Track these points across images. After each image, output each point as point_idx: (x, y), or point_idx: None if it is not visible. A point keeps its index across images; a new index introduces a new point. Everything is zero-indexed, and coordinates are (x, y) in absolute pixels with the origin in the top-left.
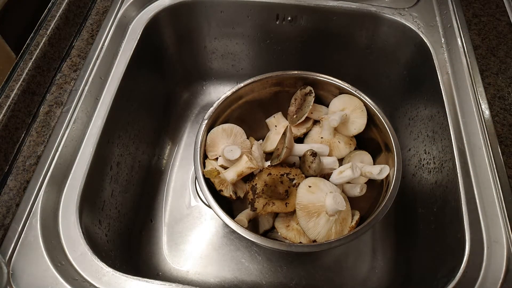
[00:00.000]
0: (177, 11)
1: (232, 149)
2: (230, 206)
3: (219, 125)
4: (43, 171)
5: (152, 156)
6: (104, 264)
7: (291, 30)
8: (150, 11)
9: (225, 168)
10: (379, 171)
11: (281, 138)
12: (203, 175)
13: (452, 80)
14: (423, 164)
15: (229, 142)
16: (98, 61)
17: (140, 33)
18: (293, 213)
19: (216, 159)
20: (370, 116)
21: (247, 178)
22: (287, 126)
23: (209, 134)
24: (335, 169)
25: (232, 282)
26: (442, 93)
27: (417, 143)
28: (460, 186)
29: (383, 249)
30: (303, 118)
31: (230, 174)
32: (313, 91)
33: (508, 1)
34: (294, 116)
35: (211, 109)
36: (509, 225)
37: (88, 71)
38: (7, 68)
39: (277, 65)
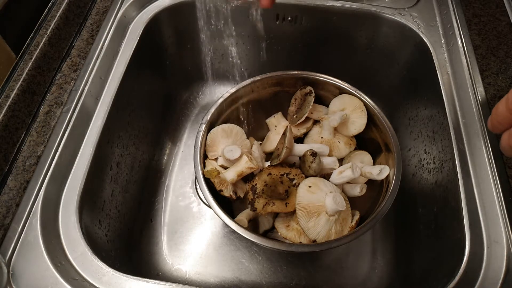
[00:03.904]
0: (177, 11)
1: (232, 149)
2: (230, 206)
3: (219, 125)
4: (43, 171)
5: (152, 156)
6: (104, 264)
7: (291, 30)
8: (150, 11)
9: (225, 168)
10: (379, 171)
11: (281, 138)
12: (203, 175)
13: (452, 80)
14: (423, 164)
15: (229, 142)
16: (98, 61)
17: (140, 33)
18: (293, 213)
19: (216, 159)
20: (370, 116)
21: (247, 178)
22: (287, 126)
23: (209, 134)
24: (335, 169)
25: (232, 282)
26: (442, 93)
27: (417, 143)
28: (460, 186)
29: (383, 249)
30: (303, 118)
31: (230, 174)
32: (313, 91)
33: (508, 1)
34: (294, 116)
35: (211, 109)
36: (509, 225)
37: (88, 71)
38: (7, 68)
39: (277, 65)
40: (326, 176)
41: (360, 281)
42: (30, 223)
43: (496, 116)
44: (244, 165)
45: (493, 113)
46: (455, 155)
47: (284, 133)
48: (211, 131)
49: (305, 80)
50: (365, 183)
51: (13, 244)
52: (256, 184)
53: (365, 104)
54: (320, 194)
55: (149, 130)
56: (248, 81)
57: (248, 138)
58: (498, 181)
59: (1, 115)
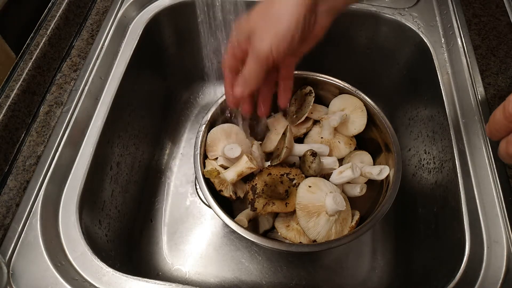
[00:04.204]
0: (177, 11)
1: (233, 147)
2: (230, 206)
3: (219, 125)
4: (43, 171)
5: (152, 156)
6: (104, 264)
7: None
8: (150, 11)
9: (225, 168)
10: (379, 171)
11: (281, 138)
12: (203, 175)
13: (452, 80)
14: (423, 164)
15: (229, 142)
16: (98, 61)
17: (140, 33)
18: (293, 213)
19: (216, 159)
20: (370, 116)
21: (247, 178)
22: (287, 126)
23: (209, 134)
24: (335, 169)
25: (232, 282)
26: (442, 93)
27: (417, 143)
28: (460, 186)
29: (383, 249)
30: (303, 118)
31: (230, 174)
32: (313, 91)
33: (508, 1)
34: (294, 116)
35: (211, 109)
36: (509, 225)
37: (88, 71)
38: (7, 68)
39: None
40: (326, 176)
41: (360, 281)
42: (30, 223)
43: (493, 123)
44: (244, 165)
45: (490, 120)
46: (455, 155)
47: (284, 133)
48: (211, 131)
49: (305, 80)
50: (365, 183)
51: (13, 244)
52: (256, 184)
53: (365, 104)
54: (320, 194)
55: (149, 130)
56: None
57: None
58: (498, 181)
59: (1, 115)
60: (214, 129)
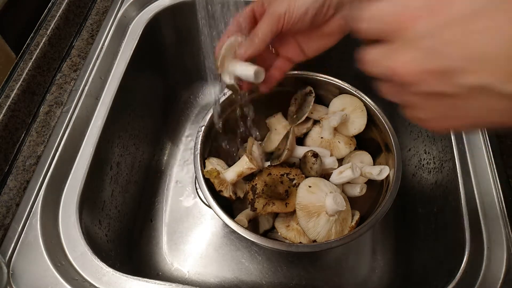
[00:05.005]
0: (177, 11)
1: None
2: (230, 206)
3: (219, 125)
4: (43, 171)
5: (152, 156)
6: (104, 264)
7: None
8: (150, 11)
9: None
10: (379, 171)
11: (283, 139)
12: (203, 175)
13: None
14: (423, 164)
15: None
16: (98, 61)
17: (140, 33)
18: (293, 213)
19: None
20: (370, 116)
21: (247, 178)
22: (290, 127)
23: (225, 44)
24: (334, 169)
25: (232, 282)
26: None
27: (417, 143)
28: (460, 186)
29: (383, 249)
30: (303, 118)
31: (230, 174)
32: (313, 91)
33: None
34: (294, 116)
35: (210, 110)
36: (509, 225)
37: (88, 71)
38: (7, 68)
39: None
40: (326, 176)
41: (360, 281)
42: (30, 223)
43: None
44: (244, 166)
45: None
46: (455, 155)
47: (287, 135)
48: (229, 39)
49: (305, 80)
50: (365, 183)
51: (13, 244)
52: (256, 184)
53: (365, 104)
54: (320, 194)
55: (149, 130)
56: None
57: (247, 138)
58: (498, 181)
59: (1, 115)
60: (232, 37)
